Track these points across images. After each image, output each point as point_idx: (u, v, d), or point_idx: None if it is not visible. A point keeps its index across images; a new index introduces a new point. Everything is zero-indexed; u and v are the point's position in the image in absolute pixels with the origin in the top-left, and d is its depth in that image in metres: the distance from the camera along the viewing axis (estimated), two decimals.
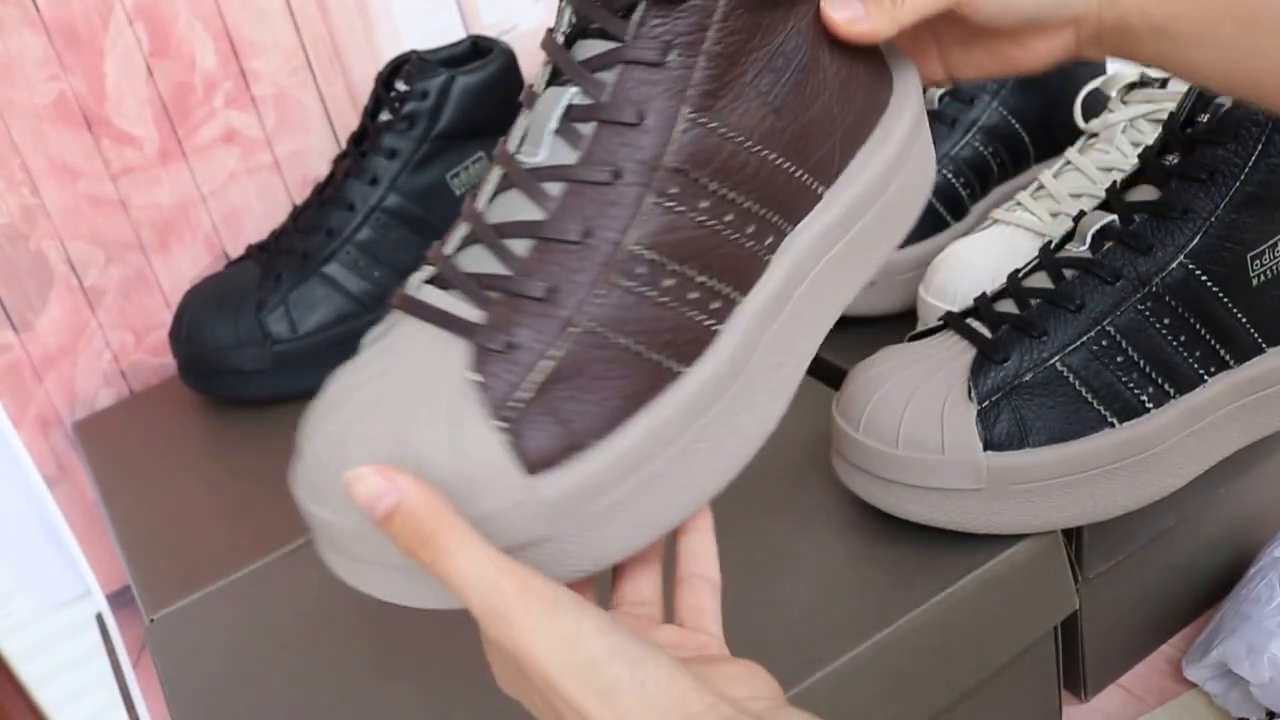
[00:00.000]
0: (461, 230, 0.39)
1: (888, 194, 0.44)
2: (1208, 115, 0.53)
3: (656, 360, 0.38)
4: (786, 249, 0.41)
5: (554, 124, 0.38)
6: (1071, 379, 0.51)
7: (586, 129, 0.38)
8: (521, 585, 0.32)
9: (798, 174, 0.41)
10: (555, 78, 0.40)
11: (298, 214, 0.80)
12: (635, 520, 0.38)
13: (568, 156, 0.38)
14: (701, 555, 0.42)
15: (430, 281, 0.39)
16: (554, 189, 0.38)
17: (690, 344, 0.39)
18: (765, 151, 0.40)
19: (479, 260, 0.38)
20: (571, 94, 0.38)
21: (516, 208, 0.38)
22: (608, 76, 0.38)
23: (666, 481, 0.38)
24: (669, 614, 0.41)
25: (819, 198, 0.42)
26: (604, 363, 0.37)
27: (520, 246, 0.37)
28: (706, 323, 0.39)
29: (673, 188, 0.38)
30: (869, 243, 0.44)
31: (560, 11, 0.40)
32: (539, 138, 0.38)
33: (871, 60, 0.44)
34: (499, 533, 0.35)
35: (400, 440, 0.35)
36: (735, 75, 0.39)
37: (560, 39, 0.40)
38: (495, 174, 0.39)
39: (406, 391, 0.36)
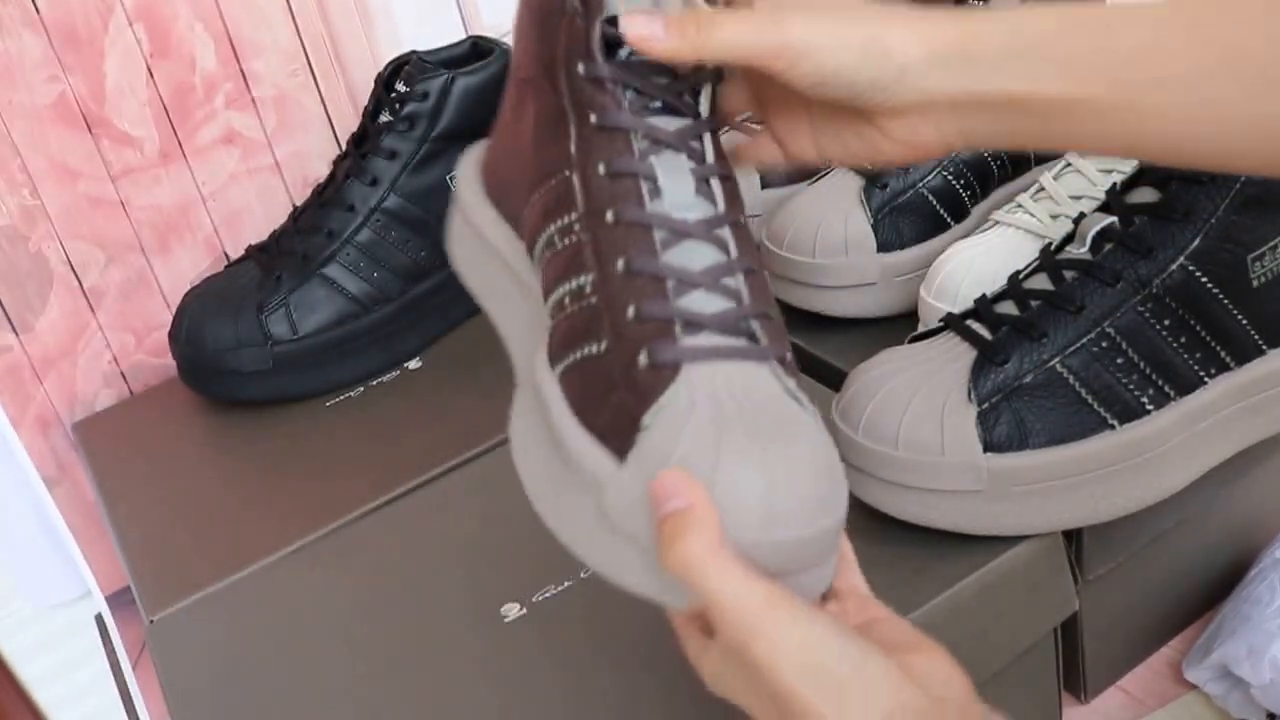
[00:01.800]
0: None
1: None
2: None
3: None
4: None
5: (693, 185, 0.42)
6: (1072, 380, 0.51)
7: (715, 185, 0.43)
8: (768, 599, 0.35)
9: None
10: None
11: (298, 215, 0.80)
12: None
13: (710, 209, 0.42)
14: None
15: (692, 325, 0.40)
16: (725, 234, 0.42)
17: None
18: None
19: (710, 303, 0.40)
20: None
21: (700, 255, 0.41)
22: (697, 145, 0.43)
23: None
24: None
25: None
26: None
27: (734, 282, 0.41)
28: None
29: None
30: None
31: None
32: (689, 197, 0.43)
33: None
34: (809, 552, 0.38)
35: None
36: None
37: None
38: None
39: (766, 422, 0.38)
